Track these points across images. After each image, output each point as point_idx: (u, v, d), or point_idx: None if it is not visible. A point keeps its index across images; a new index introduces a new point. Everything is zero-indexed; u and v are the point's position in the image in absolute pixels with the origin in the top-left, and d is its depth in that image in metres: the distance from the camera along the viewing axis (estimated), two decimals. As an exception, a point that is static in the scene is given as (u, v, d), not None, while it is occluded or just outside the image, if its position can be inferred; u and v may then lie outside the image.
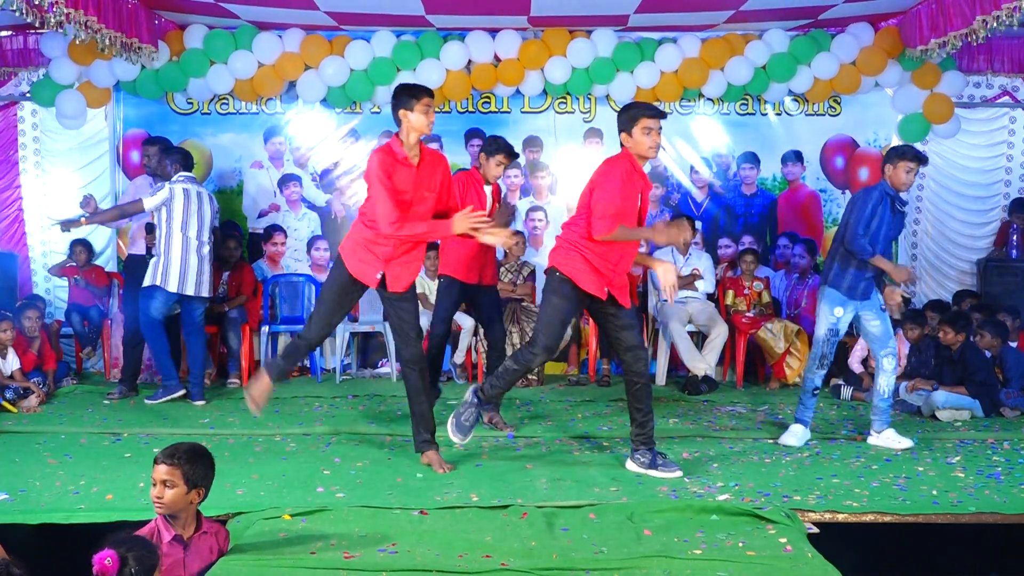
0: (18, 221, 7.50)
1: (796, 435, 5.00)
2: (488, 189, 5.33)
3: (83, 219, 5.95)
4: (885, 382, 4.97)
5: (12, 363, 5.99)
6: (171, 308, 5.97)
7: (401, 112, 4.29)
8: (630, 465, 4.42)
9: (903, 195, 4.94)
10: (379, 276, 4.34)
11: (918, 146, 7.51)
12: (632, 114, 4.21)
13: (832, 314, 4.93)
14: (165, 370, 5.99)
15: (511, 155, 5.31)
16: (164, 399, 5.98)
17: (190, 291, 5.87)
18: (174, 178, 5.92)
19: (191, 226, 5.85)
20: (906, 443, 4.90)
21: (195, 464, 2.99)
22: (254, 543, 3.33)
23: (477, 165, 5.39)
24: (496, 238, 4.32)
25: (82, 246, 7.16)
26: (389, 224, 4.19)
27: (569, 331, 7.21)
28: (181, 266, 5.82)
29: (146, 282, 5.87)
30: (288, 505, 3.73)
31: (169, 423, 5.48)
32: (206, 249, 5.95)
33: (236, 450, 4.83)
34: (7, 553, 3.12)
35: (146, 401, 6.04)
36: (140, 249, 6.25)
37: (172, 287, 5.82)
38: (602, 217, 4.14)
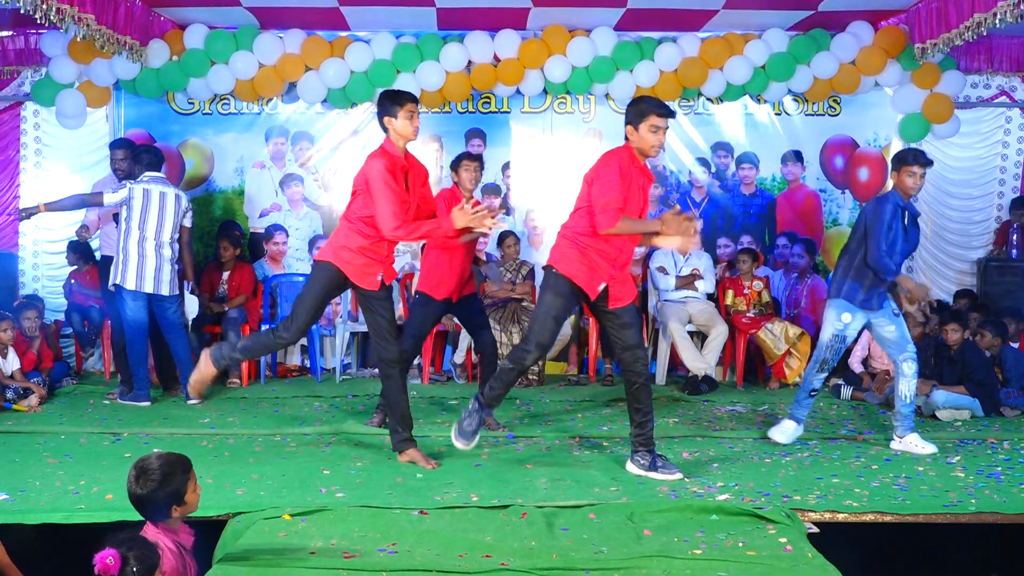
0: (14, 221, 7.50)
1: (786, 432, 4.95)
2: (468, 205, 5.31)
3: (42, 206, 5.95)
4: (906, 387, 4.89)
5: (12, 363, 6.00)
6: (148, 308, 5.96)
7: (386, 120, 4.36)
8: (630, 467, 4.42)
9: (914, 203, 4.89)
10: (379, 278, 4.39)
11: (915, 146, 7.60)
12: (642, 108, 4.16)
13: (840, 320, 4.85)
14: (138, 379, 5.99)
15: (470, 157, 5.37)
16: (125, 402, 6.01)
17: (149, 288, 5.87)
18: (139, 178, 5.95)
19: (149, 225, 5.87)
20: (930, 448, 4.83)
21: (172, 478, 2.90)
22: (254, 543, 3.33)
23: (455, 182, 5.37)
24: (486, 227, 4.34)
25: (72, 250, 7.15)
26: (393, 229, 4.24)
27: (568, 330, 7.21)
28: (138, 264, 5.85)
29: (109, 282, 5.93)
30: (288, 505, 3.73)
31: (169, 423, 5.48)
32: (167, 249, 5.95)
33: (236, 450, 4.83)
34: (7, 553, 3.13)
35: (105, 399, 6.12)
36: (111, 250, 6.23)
37: (130, 284, 5.84)
38: (603, 210, 4.11)
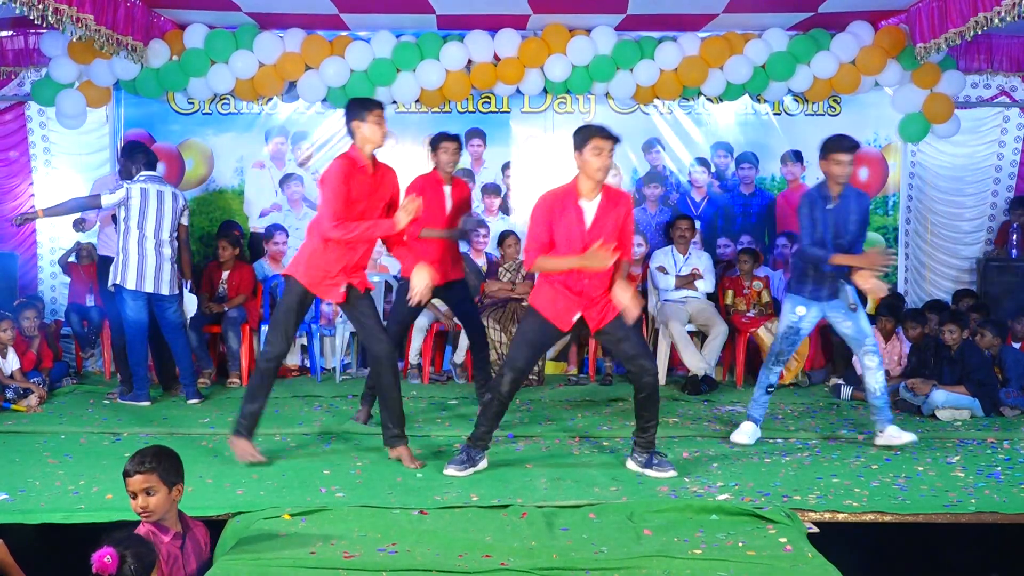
0: (31, 223, 7.52)
1: (746, 433, 4.97)
2: (448, 190, 5.42)
3: (40, 211, 5.96)
4: (873, 380, 4.91)
5: (12, 363, 6.00)
6: (148, 308, 5.95)
7: (354, 124, 4.37)
8: (629, 464, 4.47)
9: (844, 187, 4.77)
10: (343, 290, 4.43)
11: (911, 145, 7.59)
12: (584, 134, 4.19)
13: (793, 312, 4.91)
14: (138, 379, 5.99)
15: (448, 137, 5.43)
16: (125, 402, 6.01)
17: (149, 288, 5.87)
18: (135, 178, 5.94)
19: (148, 224, 5.87)
20: (908, 437, 4.86)
21: (166, 463, 2.99)
22: (254, 543, 3.33)
23: (434, 165, 5.46)
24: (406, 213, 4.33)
25: (90, 246, 7.18)
26: (332, 226, 4.28)
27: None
28: (138, 263, 5.84)
29: (109, 282, 5.93)
30: (288, 505, 3.73)
31: (169, 423, 5.48)
32: (167, 248, 5.95)
33: (236, 450, 4.83)
34: (8, 553, 3.13)
35: (105, 399, 6.13)
36: (110, 251, 6.23)
37: (131, 284, 5.83)
38: (525, 251, 4.30)
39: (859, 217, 4.81)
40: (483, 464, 4.43)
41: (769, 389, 5.00)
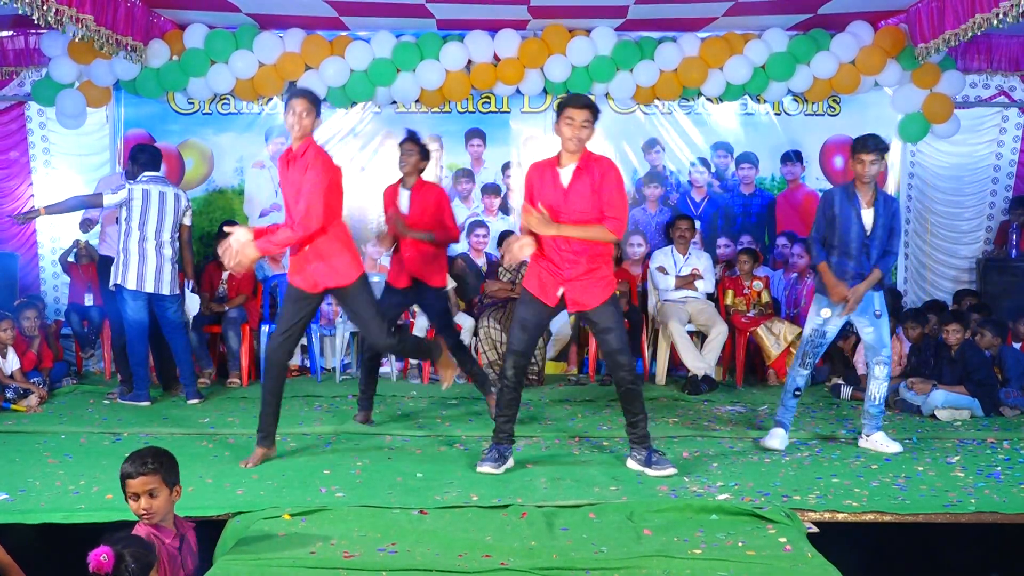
0: (32, 222, 7.54)
1: (777, 438, 4.92)
2: (406, 194, 5.34)
3: (41, 209, 5.96)
4: (876, 389, 4.91)
5: (12, 363, 6.00)
6: (148, 308, 5.95)
7: None
8: (629, 463, 4.47)
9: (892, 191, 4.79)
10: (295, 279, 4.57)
11: (911, 145, 7.58)
12: (560, 105, 4.30)
13: (818, 315, 4.89)
14: (138, 379, 5.99)
15: (403, 139, 5.38)
16: (125, 402, 6.01)
17: (150, 288, 5.87)
18: (137, 178, 5.95)
19: (149, 225, 5.87)
20: (894, 447, 4.85)
21: (166, 464, 2.98)
22: (254, 543, 3.33)
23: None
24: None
25: (88, 244, 7.18)
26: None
27: (568, 330, 7.22)
28: (139, 264, 5.84)
29: (110, 283, 5.93)
30: (288, 505, 3.73)
31: (169, 423, 5.48)
32: (167, 248, 5.94)
33: (236, 450, 4.83)
34: (7, 553, 3.13)
35: (105, 399, 6.13)
36: (111, 251, 6.22)
37: (131, 284, 5.83)
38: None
39: (885, 222, 4.79)
40: (511, 463, 4.45)
41: (796, 393, 4.95)
